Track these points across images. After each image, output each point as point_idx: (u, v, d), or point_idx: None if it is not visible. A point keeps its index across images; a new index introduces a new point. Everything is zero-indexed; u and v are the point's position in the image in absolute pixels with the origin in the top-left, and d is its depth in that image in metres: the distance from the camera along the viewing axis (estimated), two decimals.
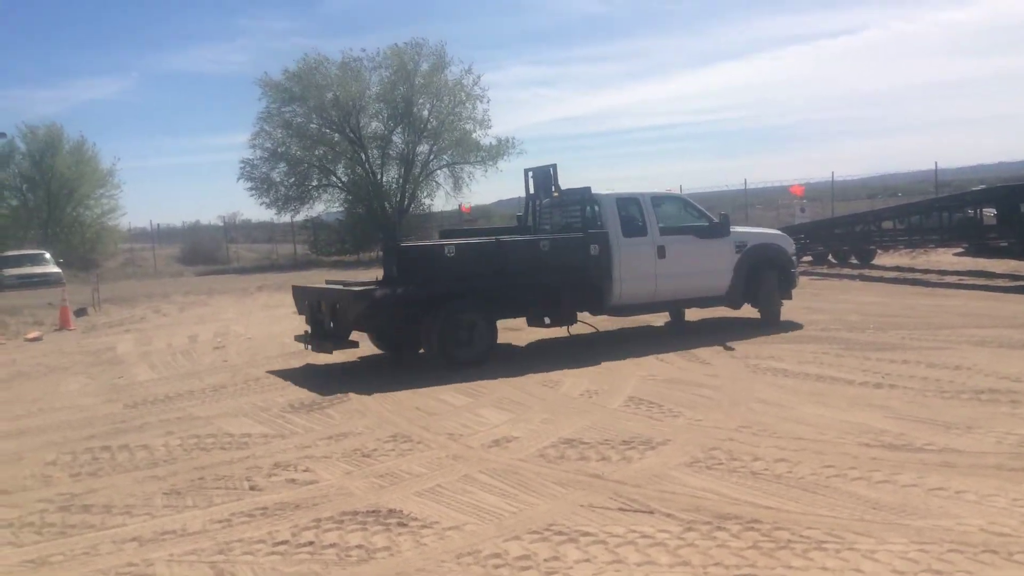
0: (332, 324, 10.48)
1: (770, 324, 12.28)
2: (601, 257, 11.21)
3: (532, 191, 12.83)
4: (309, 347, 10.90)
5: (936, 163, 33.40)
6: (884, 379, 8.37)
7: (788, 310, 13.27)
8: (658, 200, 12.30)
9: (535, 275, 10.84)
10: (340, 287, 11.12)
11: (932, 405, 7.27)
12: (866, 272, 21.63)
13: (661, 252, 11.65)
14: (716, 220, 12.16)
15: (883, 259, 24.14)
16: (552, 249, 11.05)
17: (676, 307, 12.60)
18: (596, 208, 11.78)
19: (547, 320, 11.37)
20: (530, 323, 11.75)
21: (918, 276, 19.83)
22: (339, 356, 10.95)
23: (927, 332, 11.12)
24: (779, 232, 13.92)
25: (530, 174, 12.87)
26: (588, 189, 11.87)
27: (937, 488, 5.21)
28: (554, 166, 12.26)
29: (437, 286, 10.40)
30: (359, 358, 11.30)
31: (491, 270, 10.68)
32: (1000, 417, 6.76)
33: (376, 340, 11.63)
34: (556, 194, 12.27)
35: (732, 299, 12.32)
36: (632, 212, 11.82)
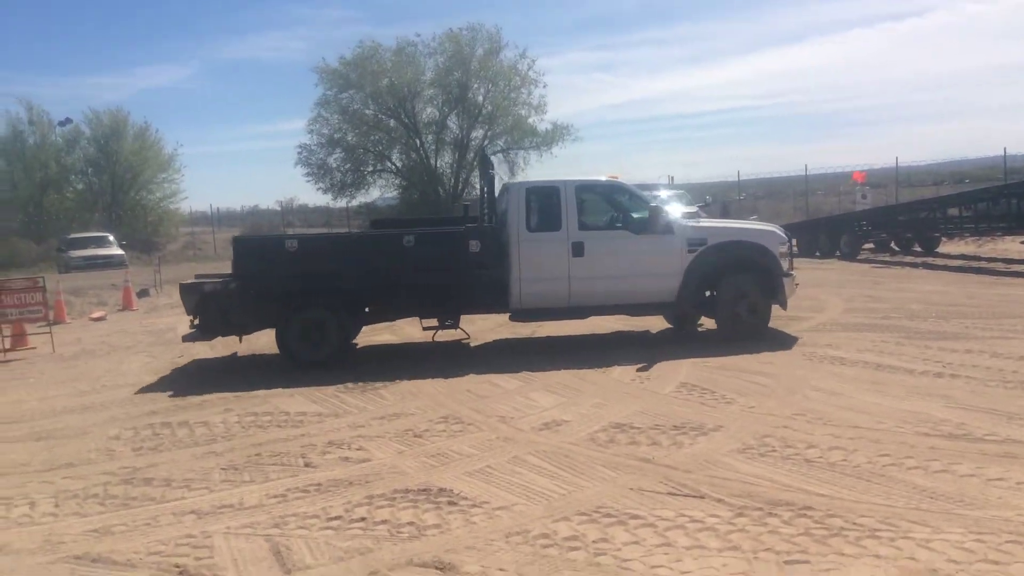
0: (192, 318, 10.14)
1: (732, 340, 10.08)
2: (484, 255, 10.01)
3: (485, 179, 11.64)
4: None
5: (1005, 148, 32.41)
6: (945, 368, 8.17)
7: (850, 297, 13.01)
8: (586, 190, 10.62)
9: (400, 273, 9.98)
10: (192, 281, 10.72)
11: (994, 395, 7.08)
12: (929, 260, 21.11)
13: (577, 250, 10.12)
14: (662, 214, 10.41)
15: (947, 247, 23.52)
16: (419, 245, 9.98)
17: (606, 313, 10.85)
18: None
19: (423, 323, 10.61)
20: (423, 326, 10.72)
21: (983, 265, 19.29)
22: (390, 338, 10.98)
23: (991, 321, 10.82)
24: (765, 227, 11.33)
25: (483, 162, 11.68)
26: (517, 182, 10.85)
27: (997, 479, 5.08)
28: (482, 151, 11.31)
29: (274, 282, 9.85)
30: (404, 342, 11.39)
31: (344, 267, 9.98)
32: None
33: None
34: (484, 185, 11.18)
35: (683, 306, 10.51)
36: (546, 204, 10.34)
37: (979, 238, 23.38)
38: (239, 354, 11.27)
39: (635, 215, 10.44)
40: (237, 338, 10.69)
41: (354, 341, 11.48)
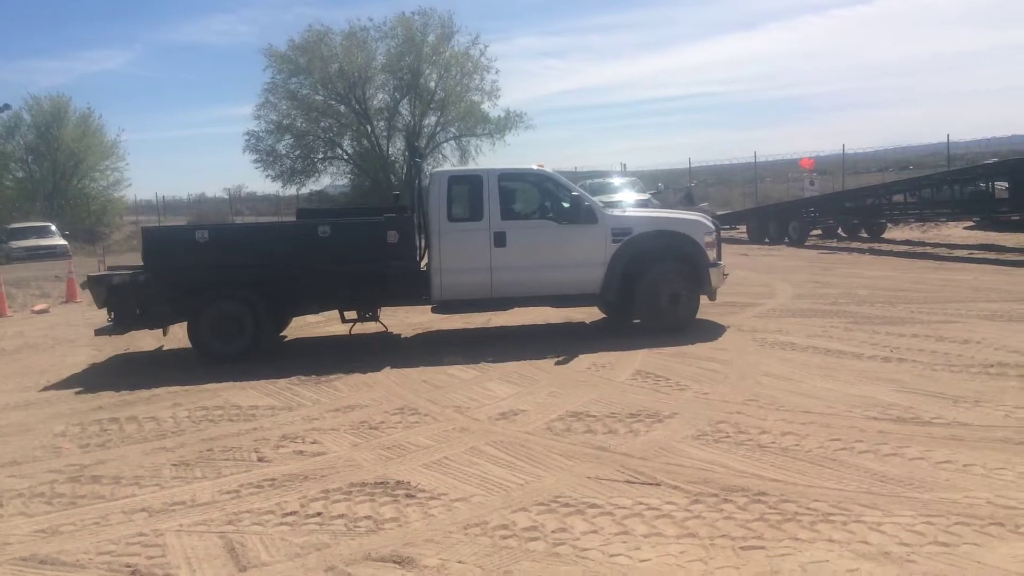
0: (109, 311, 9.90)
1: (658, 331, 9.93)
2: (402, 245, 9.81)
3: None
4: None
5: (948, 136, 33.13)
6: (892, 353, 8.35)
7: (799, 283, 13.22)
8: (509, 178, 10.44)
9: (316, 265, 9.75)
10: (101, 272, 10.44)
11: (941, 379, 7.25)
12: (876, 246, 21.58)
13: (499, 240, 9.97)
14: (587, 203, 10.17)
15: (893, 233, 24.07)
16: (335, 236, 9.74)
17: (530, 304, 10.65)
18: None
19: (344, 316, 10.39)
20: (341, 318, 10.48)
21: (928, 250, 19.77)
22: (342, 329, 10.84)
23: (936, 306, 11.08)
24: (693, 216, 11.16)
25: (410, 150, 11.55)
26: (439, 170, 10.60)
27: (944, 461, 5.20)
28: (409, 139, 11.17)
29: (185, 273, 9.64)
30: (360, 333, 11.28)
31: (259, 258, 9.74)
32: (1009, 391, 6.73)
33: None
34: (413, 173, 11.21)
35: (607, 298, 10.32)
36: (468, 193, 10.22)
37: (923, 224, 23.99)
38: (163, 348, 11.01)
39: (560, 205, 10.31)
40: (162, 332, 10.44)
41: (283, 334, 11.37)
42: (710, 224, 10.71)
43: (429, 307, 10.48)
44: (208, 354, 9.63)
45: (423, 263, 10.24)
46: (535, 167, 10.75)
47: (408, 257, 9.91)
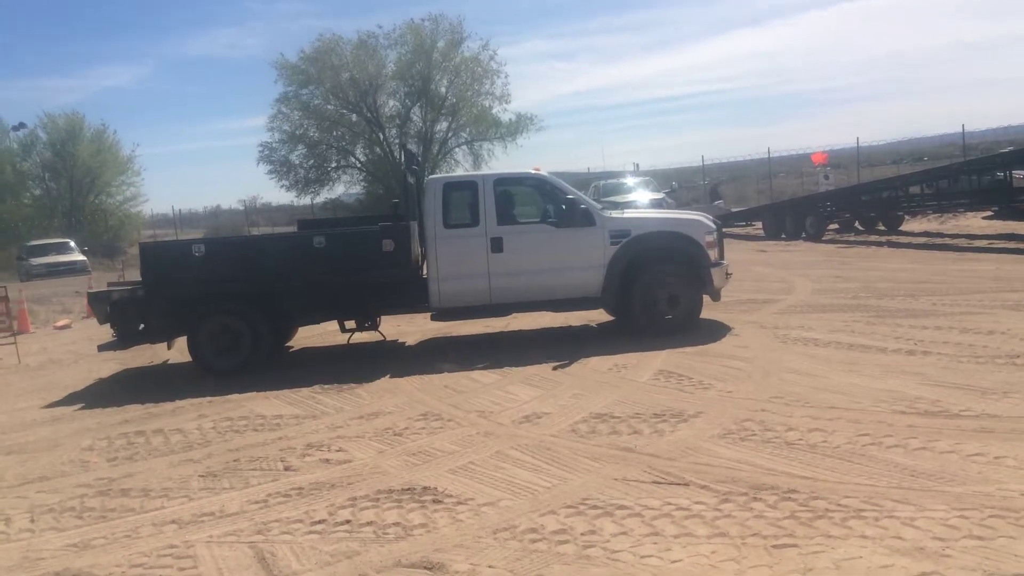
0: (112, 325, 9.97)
1: (652, 334, 9.74)
2: (398, 253, 9.73)
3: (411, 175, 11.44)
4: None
5: (963, 126, 32.89)
6: (917, 346, 8.28)
7: (819, 278, 13.13)
8: (505, 183, 10.38)
9: (313, 275, 9.74)
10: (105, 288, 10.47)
11: (967, 371, 7.18)
12: (893, 238, 21.40)
13: (496, 245, 9.91)
14: (583, 206, 10.07)
15: (911, 225, 23.87)
16: (331, 246, 9.73)
17: (530, 310, 10.49)
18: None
19: (345, 325, 10.35)
20: (341, 328, 10.49)
21: (947, 241, 19.59)
22: (359, 337, 10.79)
23: (958, 297, 10.99)
24: (693, 216, 11.01)
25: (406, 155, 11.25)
26: (434, 177, 10.41)
27: (975, 454, 5.15)
28: (405, 146, 11.04)
29: (183, 288, 9.67)
30: (372, 341, 11.29)
31: (255, 271, 9.77)
32: None
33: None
34: (412, 180, 11.09)
35: (608, 301, 10.22)
36: (463, 199, 10.18)
37: (941, 215, 23.79)
38: (168, 361, 11.04)
39: (557, 208, 10.15)
40: (166, 346, 10.40)
41: (289, 345, 11.43)
42: (710, 223, 10.56)
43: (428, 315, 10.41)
44: (208, 367, 9.67)
45: (424, 271, 10.24)
46: (531, 171, 10.71)
47: (404, 265, 9.84)
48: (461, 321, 10.93)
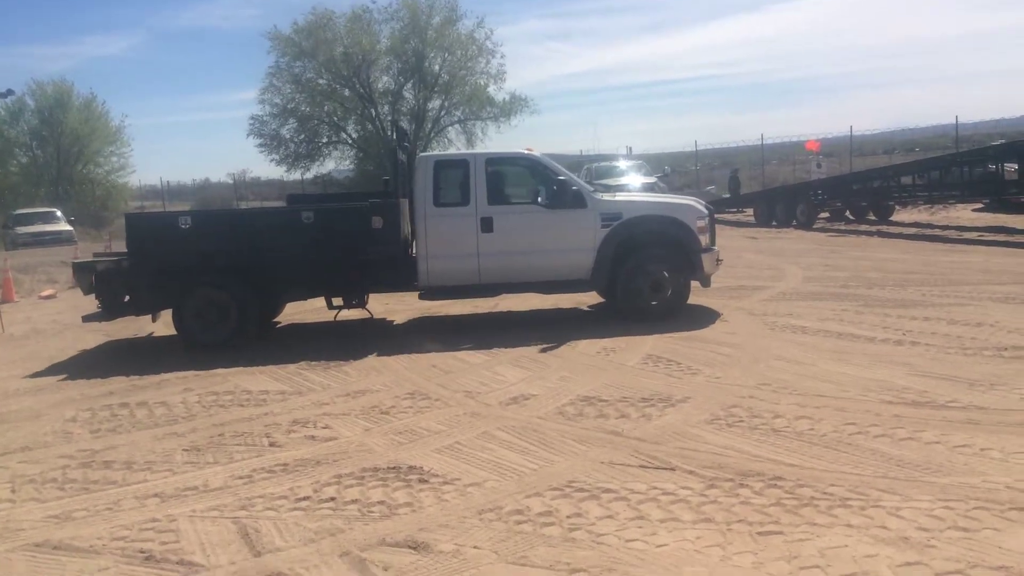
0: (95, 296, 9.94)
1: (635, 319, 9.78)
2: (387, 231, 9.69)
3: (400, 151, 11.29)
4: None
5: (957, 117, 32.91)
6: (905, 336, 8.29)
7: (809, 266, 13.13)
8: (497, 162, 10.31)
9: (301, 251, 9.69)
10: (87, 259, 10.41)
11: (954, 362, 7.19)
12: (884, 228, 21.46)
13: (487, 225, 9.84)
14: (575, 188, 10.01)
15: (901, 215, 23.94)
16: (320, 221, 9.69)
17: (519, 291, 10.50)
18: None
19: (333, 301, 10.29)
20: (328, 304, 10.41)
21: (937, 232, 19.66)
22: (347, 314, 10.77)
23: (947, 288, 11.01)
24: (685, 201, 10.93)
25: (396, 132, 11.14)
26: (425, 154, 10.54)
27: (961, 445, 5.16)
28: (395, 121, 10.87)
29: (168, 260, 9.57)
30: (360, 318, 11.24)
31: (242, 244, 9.68)
32: None
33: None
34: (403, 157, 11.03)
35: (598, 284, 10.15)
36: (454, 177, 10.09)
37: (932, 206, 23.86)
38: (153, 334, 10.98)
39: (548, 189, 10.06)
40: (151, 318, 10.38)
41: (276, 320, 11.38)
42: (703, 208, 10.47)
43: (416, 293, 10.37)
44: (192, 341, 9.61)
45: (413, 249, 10.19)
46: (524, 151, 10.64)
47: (393, 242, 9.77)
48: (449, 301, 10.91)
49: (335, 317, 10.73)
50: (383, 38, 41.54)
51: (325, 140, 43.13)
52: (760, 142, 39.30)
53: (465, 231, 9.88)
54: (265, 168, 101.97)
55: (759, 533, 4.08)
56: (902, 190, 22.23)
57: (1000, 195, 20.46)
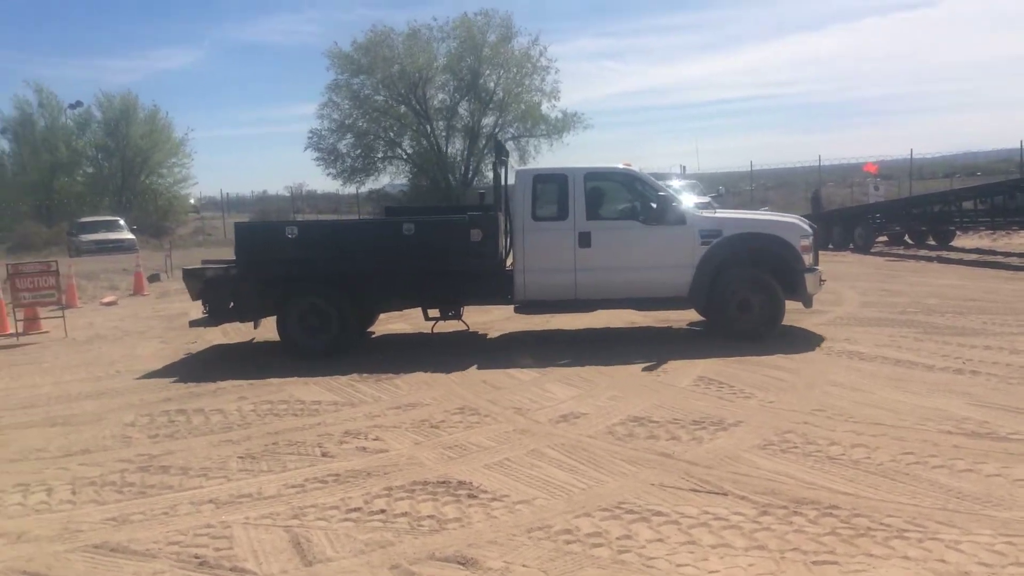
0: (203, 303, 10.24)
1: (733, 338, 9.64)
2: (485, 244, 9.70)
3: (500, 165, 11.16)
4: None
5: (1021, 141, 32.08)
6: (965, 365, 8.09)
7: (867, 291, 12.87)
8: (595, 177, 10.24)
9: (400, 262, 9.73)
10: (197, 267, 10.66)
11: (1016, 392, 7.00)
12: (944, 254, 20.96)
13: (584, 240, 9.79)
14: (674, 204, 9.95)
15: (962, 241, 23.35)
16: (419, 233, 9.72)
17: (615, 307, 10.40)
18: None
19: (429, 312, 10.37)
20: (425, 316, 10.49)
21: (999, 259, 19.14)
22: (403, 327, 10.89)
23: (1010, 317, 10.72)
24: (786, 218, 10.70)
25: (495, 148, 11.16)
26: (525, 168, 10.38)
27: (1023, 479, 5.01)
28: (495, 138, 10.72)
29: (274, 269, 9.81)
30: (417, 332, 11.32)
31: (344, 254, 9.80)
32: None
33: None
34: (501, 171, 10.91)
35: (696, 301, 9.99)
36: (553, 192, 10.08)
37: (993, 232, 23.24)
38: (255, 340, 11.24)
39: (647, 205, 10.01)
40: (252, 325, 10.65)
41: (370, 330, 11.52)
42: (806, 227, 10.21)
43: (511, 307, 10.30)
44: (294, 348, 9.80)
45: (509, 262, 10.22)
46: (622, 166, 10.53)
47: (491, 256, 9.82)
48: (499, 318, 10.92)
49: (432, 329, 10.80)
50: (440, 55, 41.98)
51: (381, 155, 43.60)
52: (817, 163, 38.81)
53: (562, 246, 9.87)
54: (321, 181, 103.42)
55: (813, 563, 4.01)
56: (963, 215, 21.70)
57: None
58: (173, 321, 13.70)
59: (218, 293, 10.01)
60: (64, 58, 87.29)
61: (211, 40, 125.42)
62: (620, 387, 7.80)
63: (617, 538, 4.38)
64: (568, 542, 4.36)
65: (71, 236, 32.78)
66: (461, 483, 5.34)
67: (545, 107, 42.19)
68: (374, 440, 6.39)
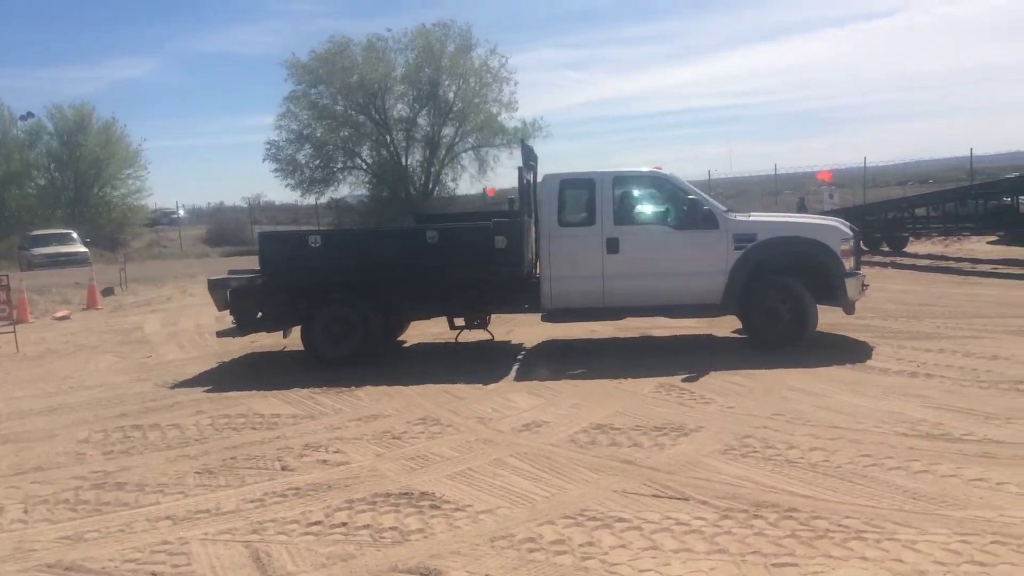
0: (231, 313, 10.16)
1: (769, 347, 9.37)
2: (510, 251, 9.50)
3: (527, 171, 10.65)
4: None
5: (972, 149, 32.90)
6: (920, 368, 8.24)
7: None
8: (624, 181, 9.96)
9: (424, 270, 9.61)
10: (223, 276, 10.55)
11: (970, 395, 7.14)
12: (898, 260, 21.36)
13: (612, 246, 9.53)
14: (706, 207, 9.61)
15: (915, 247, 23.81)
16: (443, 241, 9.59)
17: (646, 315, 10.17)
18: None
19: (455, 321, 10.24)
20: (450, 325, 10.37)
21: (951, 264, 19.55)
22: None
23: (962, 321, 10.95)
24: (826, 222, 10.20)
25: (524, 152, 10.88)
26: (551, 173, 10.06)
27: (977, 479, 5.11)
28: (523, 142, 10.43)
29: (298, 278, 9.81)
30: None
31: (367, 263, 9.72)
32: None
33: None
34: (528, 177, 10.48)
35: (729, 308, 9.65)
36: (580, 197, 9.85)
37: (946, 238, 23.75)
38: (286, 348, 11.08)
39: (677, 209, 9.73)
40: (274, 334, 10.48)
41: (401, 339, 11.49)
42: (847, 230, 9.80)
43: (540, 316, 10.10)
44: (319, 357, 9.73)
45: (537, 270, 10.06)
46: (653, 169, 10.26)
47: (516, 263, 9.63)
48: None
49: (456, 338, 10.67)
50: (399, 66, 42.00)
51: (340, 165, 43.40)
52: (773, 172, 39.37)
53: (590, 252, 9.61)
54: (279, 192, 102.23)
55: (774, 565, 4.05)
56: (916, 222, 22.19)
57: (1015, 227, 20.34)
58: (128, 335, 13.48)
59: (245, 304, 9.93)
60: (15, 69, 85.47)
61: (169, 50, 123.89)
62: (582, 395, 7.82)
63: (580, 545, 4.38)
64: (531, 550, 4.35)
65: (22, 250, 32.12)
66: (423, 494, 5.30)
67: (503, 117, 42.36)
68: (335, 452, 6.33)
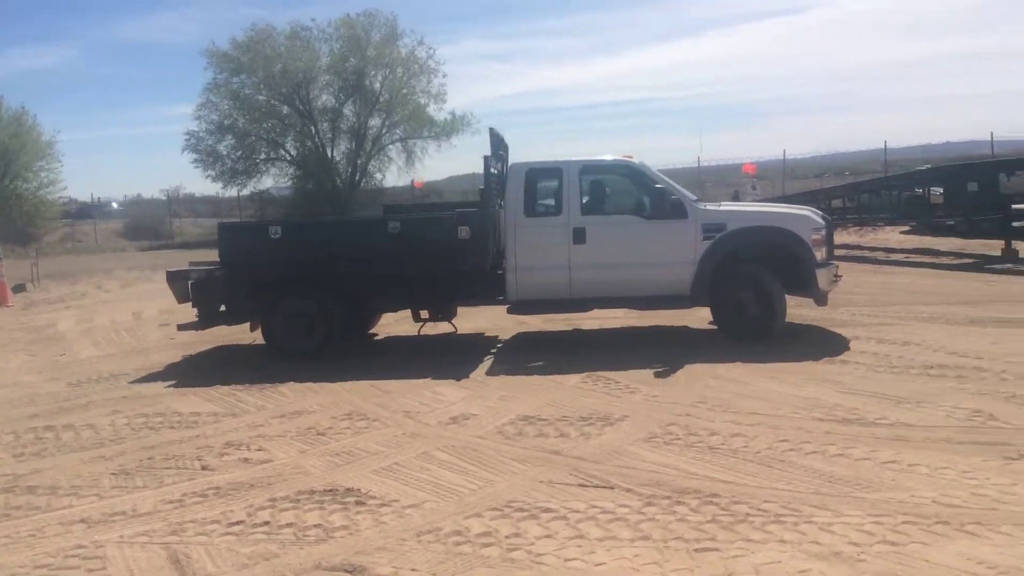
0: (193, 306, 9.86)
1: (732, 339, 9.33)
2: (474, 241, 9.33)
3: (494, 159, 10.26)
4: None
5: (885, 142, 34.02)
6: (835, 355, 8.48)
7: None
8: (592, 170, 9.85)
9: (388, 262, 9.44)
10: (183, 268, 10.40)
11: (882, 380, 7.38)
12: None
13: (579, 236, 9.38)
14: (674, 196, 9.40)
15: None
16: (406, 232, 9.44)
17: (613, 306, 10.10)
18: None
19: (422, 314, 10.10)
20: (414, 317, 10.20)
21: (866, 253, 20.20)
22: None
23: (876, 308, 11.32)
24: (798, 211, 10.07)
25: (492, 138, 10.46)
26: (517, 163, 9.92)
27: (890, 461, 5.28)
28: (493, 129, 10.09)
29: (258, 270, 9.60)
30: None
31: (329, 255, 9.52)
32: (948, 392, 6.87)
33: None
34: (496, 167, 10.18)
35: (698, 299, 9.52)
36: (547, 186, 9.71)
37: (861, 228, 24.51)
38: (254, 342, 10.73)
39: (645, 199, 9.60)
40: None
41: (373, 332, 11.26)
42: (819, 219, 9.73)
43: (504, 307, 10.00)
44: (281, 351, 9.51)
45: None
46: (622, 158, 10.07)
47: (480, 254, 9.41)
48: (387, 322, 10.79)
49: (418, 331, 10.46)
50: (323, 56, 41.36)
51: (263, 157, 42.60)
52: (696, 164, 40.06)
53: (556, 242, 9.45)
54: (200, 185, 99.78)
55: (696, 550, 4.12)
56: (832, 212, 22.78)
57: (926, 218, 21.14)
58: (40, 332, 13.00)
59: (207, 296, 9.62)
60: None
61: (83, 38, 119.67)
62: (509, 387, 7.83)
63: (507, 536, 4.39)
64: (458, 543, 4.34)
65: None
66: (349, 490, 5.24)
67: (432, 109, 42.13)
68: (257, 450, 6.21)
